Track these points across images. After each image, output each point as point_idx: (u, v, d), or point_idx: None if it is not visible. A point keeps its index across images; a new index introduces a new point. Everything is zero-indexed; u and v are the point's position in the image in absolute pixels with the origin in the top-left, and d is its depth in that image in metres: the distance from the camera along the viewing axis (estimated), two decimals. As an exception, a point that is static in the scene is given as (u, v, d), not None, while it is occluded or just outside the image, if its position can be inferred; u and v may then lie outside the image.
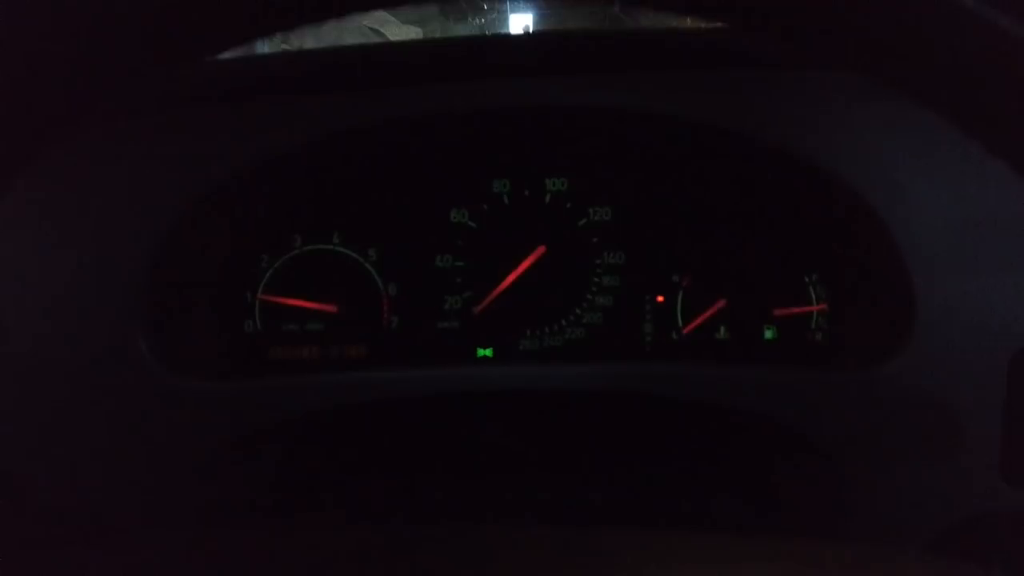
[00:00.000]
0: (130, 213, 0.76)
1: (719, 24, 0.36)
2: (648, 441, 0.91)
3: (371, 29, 5.36)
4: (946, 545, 0.74)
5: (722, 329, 0.95)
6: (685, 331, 0.95)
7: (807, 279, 0.92)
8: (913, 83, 0.35)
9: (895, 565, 0.44)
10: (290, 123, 0.77)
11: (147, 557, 0.47)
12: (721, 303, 0.94)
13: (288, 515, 0.82)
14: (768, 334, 0.94)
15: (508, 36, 0.75)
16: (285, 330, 0.95)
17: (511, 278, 0.95)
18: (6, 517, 0.73)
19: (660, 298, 0.94)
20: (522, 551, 0.47)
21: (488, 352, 0.96)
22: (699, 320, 0.94)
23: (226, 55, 0.75)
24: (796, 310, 0.92)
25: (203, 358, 0.85)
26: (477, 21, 6.40)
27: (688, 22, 0.71)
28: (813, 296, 0.92)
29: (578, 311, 0.96)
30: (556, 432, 0.92)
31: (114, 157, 0.76)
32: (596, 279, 0.95)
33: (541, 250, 0.95)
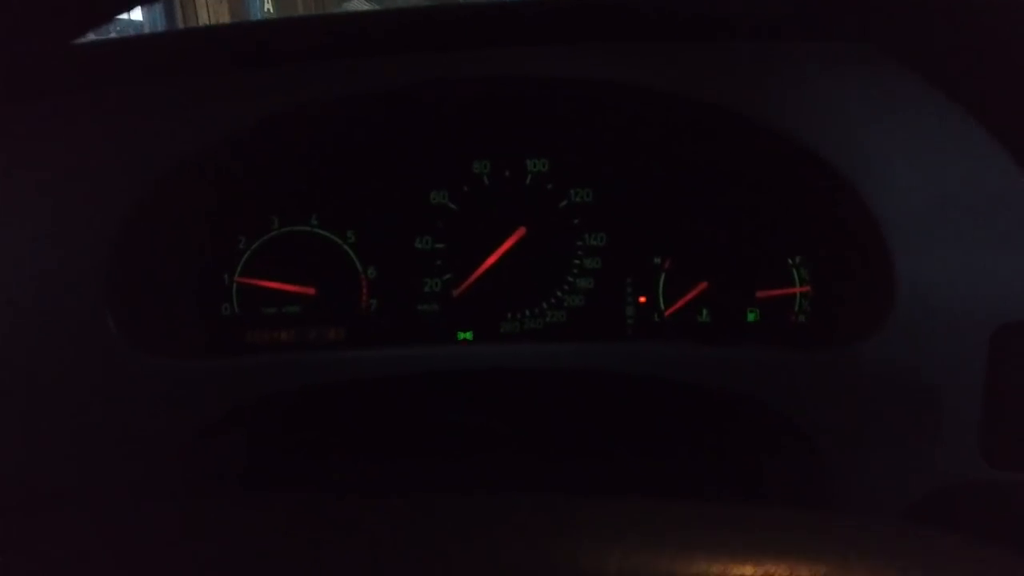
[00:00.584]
0: (95, 190, 0.75)
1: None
2: (629, 421, 0.90)
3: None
4: (921, 516, 0.73)
5: (704, 312, 0.94)
6: (667, 313, 0.94)
7: (790, 261, 0.91)
8: (915, 50, 0.34)
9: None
10: (261, 95, 0.76)
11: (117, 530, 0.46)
12: (703, 285, 0.93)
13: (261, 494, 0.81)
14: (751, 316, 0.93)
15: (484, 4, 0.74)
16: (263, 313, 0.94)
17: (491, 260, 0.94)
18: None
19: (642, 297, 0.93)
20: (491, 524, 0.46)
21: (468, 335, 0.95)
22: (681, 303, 0.93)
23: (199, 25, 0.74)
24: (779, 292, 0.91)
25: (177, 338, 0.84)
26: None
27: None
28: (796, 278, 0.91)
29: (559, 293, 0.95)
30: (535, 412, 0.91)
31: (78, 132, 0.75)
32: (577, 261, 0.94)
33: (521, 232, 0.94)
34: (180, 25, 3.46)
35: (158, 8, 3.39)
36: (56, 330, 0.75)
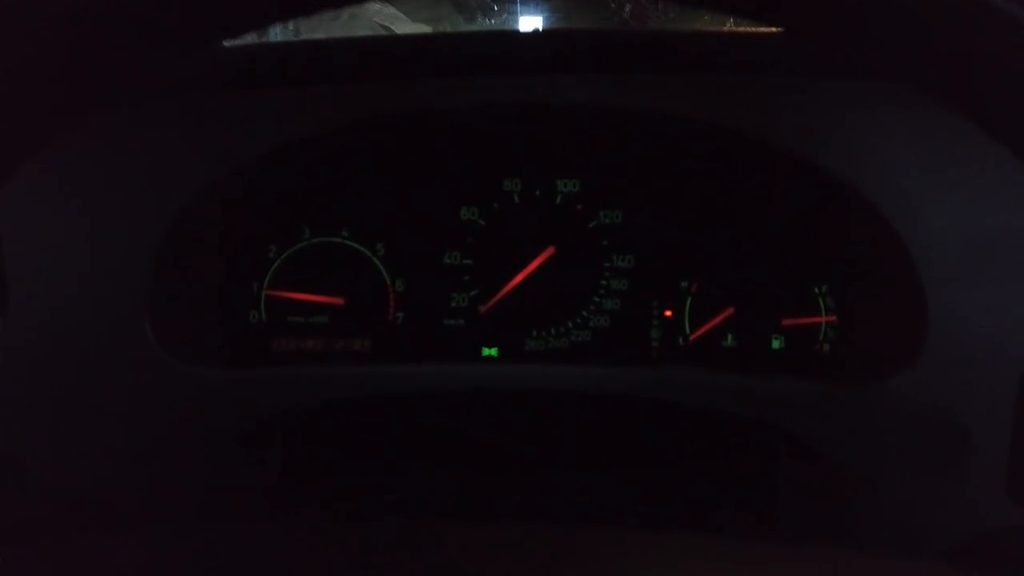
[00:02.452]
0: (140, 200, 0.76)
1: (737, 27, 0.36)
2: (652, 446, 0.90)
3: (381, 26, 5.37)
4: (951, 559, 0.73)
5: (729, 337, 0.94)
6: (692, 338, 0.94)
7: (817, 290, 0.91)
8: (953, 91, 0.34)
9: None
10: (302, 113, 0.77)
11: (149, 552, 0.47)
12: (729, 311, 0.93)
13: (286, 507, 0.81)
14: (776, 344, 0.93)
15: (523, 32, 0.75)
16: (290, 322, 0.95)
17: (519, 278, 0.94)
18: (15, 501, 0.72)
19: (668, 312, 0.94)
20: (519, 549, 0.46)
21: (493, 351, 0.96)
22: (706, 327, 0.94)
23: (240, 42, 0.75)
24: (805, 320, 0.92)
25: (208, 346, 0.85)
26: (488, 22, 6.40)
27: (703, 24, 0.71)
28: (822, 307, 0.91)
29: (585, 313, 0.95)
30: (558, 432, 0.92)
31: (127, 143, 0.76)
32: (604, 282, 0.95)
33: (550, 251, 0.94)
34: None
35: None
36: (97, 339, 0.75)
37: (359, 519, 0.70)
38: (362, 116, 0.77)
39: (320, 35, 0.82)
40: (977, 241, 0.73)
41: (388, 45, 0.74)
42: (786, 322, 0.92)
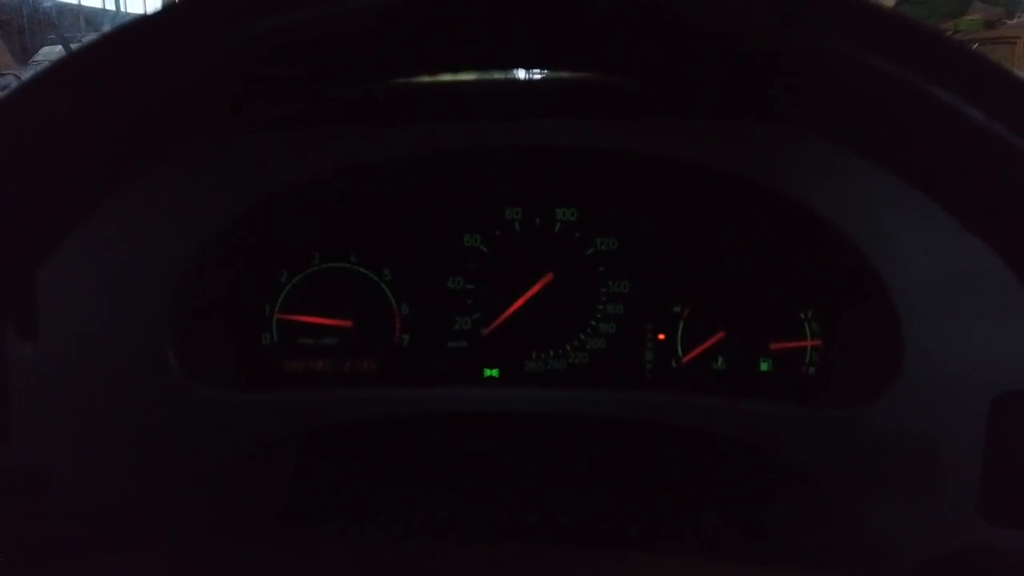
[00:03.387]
0: (163, 234, 0.80)
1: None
2: (642, 466, 0.94)
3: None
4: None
5: (720, 360, 0.98)
6: (684, 360, 0.98)
7: (802, 315, 0.96)
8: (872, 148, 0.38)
9: None
10: (316, 152, 0.82)
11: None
12: (720, 335, 0.98)
13: (295, 528, 0.86)
14: (764, 366, 0.98)
15: (522, 81, 0.80)
16: (301, 344, 0.99)
17: (520, 302, 0.99)
18: (39, 516, 0.77)
19: (662, 336, 0.98)
20: (518, 569, 0.50)
21: (494, 372, 1.00)
22: (698, 350, 0.98)
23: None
24: (791, 344, 0.96)
25: (224, 369, 0.89)
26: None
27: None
28: (808, 332, 0.96)
29: (582, 336, 1.00)
30: (555, 453, 0.96)
31: (150, 181, 0.80)
32: (600, 306, 0.99)
33: (549, 276, 0.99)
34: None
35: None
36: (121, 363, 0.80)
37: (367, 538, 0.74)
38: (374, 157, 0.82)
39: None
40: (950, 275, 0.78)
41: (400, 92, 0.78)
42: (774, 346, 0.97)
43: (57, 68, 0.33)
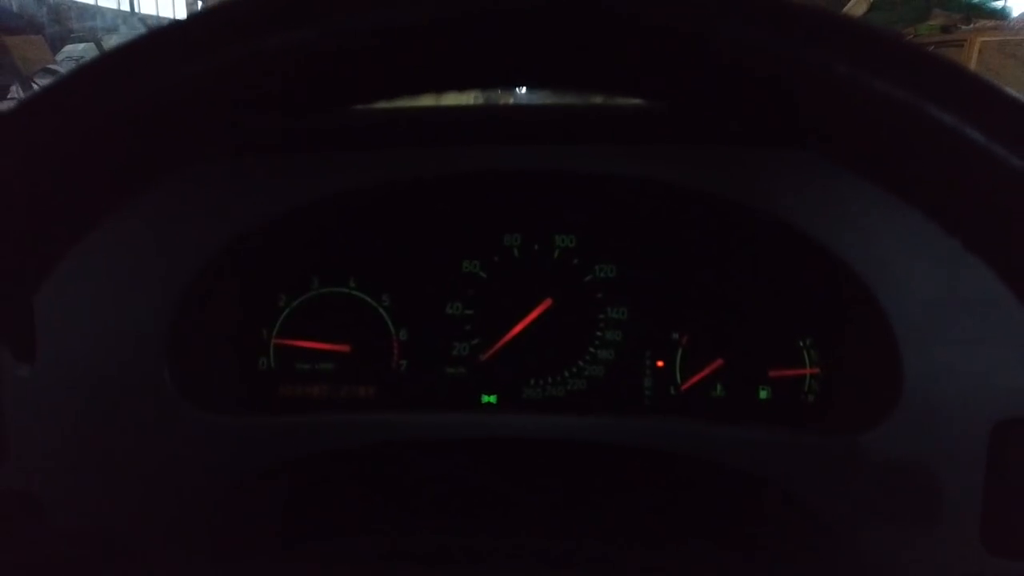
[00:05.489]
0: (162, 258, 0.80)
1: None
2: (639, 492, 0.94)
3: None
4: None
5: (719, 387, 0.98)
6: (683, 387, 0.98)
7: (801, 343, 0.96)
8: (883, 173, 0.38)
9: None
10: (315, 178, 0.82)
11: None
12: (719, 362, 0.97)
13: (293, 552, 0.85)
14: (763, 394, 0.97)
15: (527, 106, 0.82)
16: (298, 368, 0.99)
17: (518, 328, 0.99)
18: (30, 540, 0.76)
19: (660, 363, 0.98)
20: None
21: (492, 399, 1.00)
22: (697, 377, 0.98)
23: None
24: (790, 372, 0.96)
25: (221, 393, 0.88)
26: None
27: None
28: (807, 359, 0.96)
29: (581, 363, 1.00)
30: (552, 479, 0.95)
31: (149, 205, 0.81)
32: (599, 333, 0.99)
33: (548, 303, 0.99)
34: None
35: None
36: (119, 386, 0.79)
37: (364, 562, 0.73)
38: (374, 182, 0.82)
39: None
40: (950, 302, 0.78)
41: (399, 116, 0.79)
42: (773, 373, 0.97)
43: (67, 80, 0.33)
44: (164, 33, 0.33)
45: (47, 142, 0.33)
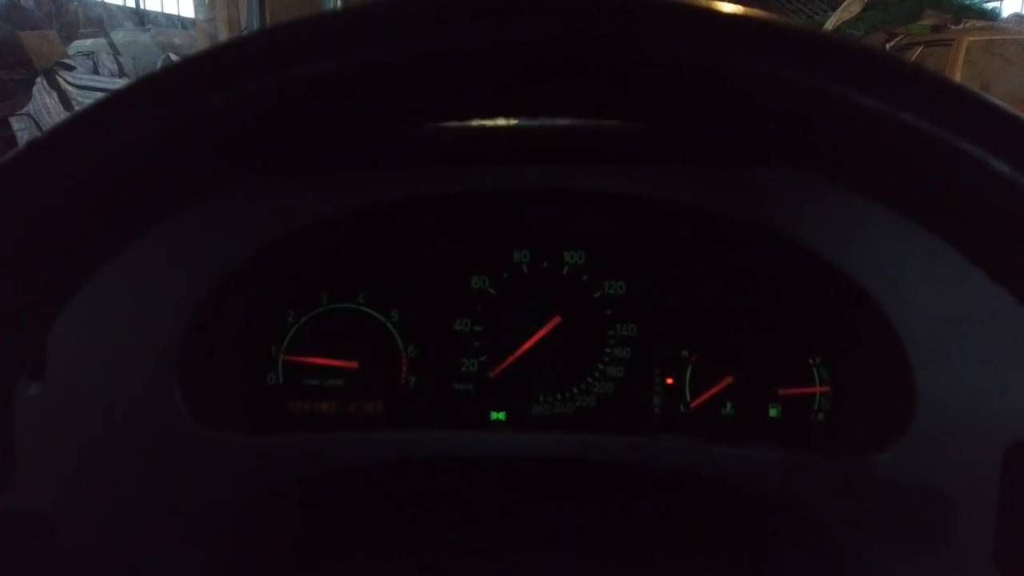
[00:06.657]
0: (173, 275, 0.81)
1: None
2: (648, 510, 0.93)
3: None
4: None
5: (728, 405, 0.98)
6: (693, 405, 0.98)
7: (811, 361, 0.95)
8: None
9: None
10: (326, 197, 0.82)
11: None
12: (728, 380, 0.97)
13: (303, 573, 0.84)
14: (773, 412, 0.97)
15: (537, 125, 0.82)
16: (306, 384, 0.98)
17: (527, 345, 0.98)
18: (39, 560, 0.76)
19: (670, 380, 0.98)
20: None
21: (501, 416, 0.99)
22: (707, 395, 0.97)
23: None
24: (800, 390, 0.96)
25: (230, 411, 0.88)
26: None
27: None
28: (817, 378, 0.95)
29: (590, 380, 0.99)
30: (561, 496, 0.95)
31: (159, 225, 0.81)
32: (608, 350, 0.99)
33: (557, 319, 0.98)
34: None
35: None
36: (129, 404, 0.79)
37: None
38: (384, 199, 0.82)
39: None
40: (963, 323, 0.77)
41: (408, 135, 0.79)
42: (783, 392, 0.96)
43: (92, 110, 0.34)
44: (171, 72, 0.34)
45: (62, 181, 0.33)
